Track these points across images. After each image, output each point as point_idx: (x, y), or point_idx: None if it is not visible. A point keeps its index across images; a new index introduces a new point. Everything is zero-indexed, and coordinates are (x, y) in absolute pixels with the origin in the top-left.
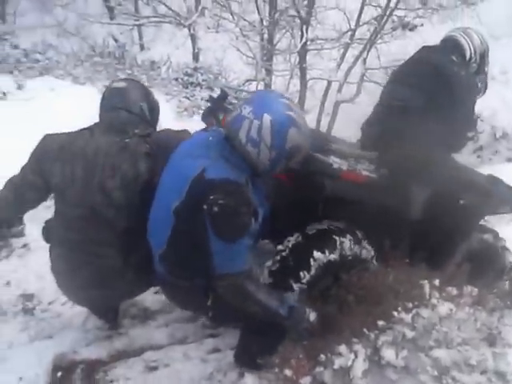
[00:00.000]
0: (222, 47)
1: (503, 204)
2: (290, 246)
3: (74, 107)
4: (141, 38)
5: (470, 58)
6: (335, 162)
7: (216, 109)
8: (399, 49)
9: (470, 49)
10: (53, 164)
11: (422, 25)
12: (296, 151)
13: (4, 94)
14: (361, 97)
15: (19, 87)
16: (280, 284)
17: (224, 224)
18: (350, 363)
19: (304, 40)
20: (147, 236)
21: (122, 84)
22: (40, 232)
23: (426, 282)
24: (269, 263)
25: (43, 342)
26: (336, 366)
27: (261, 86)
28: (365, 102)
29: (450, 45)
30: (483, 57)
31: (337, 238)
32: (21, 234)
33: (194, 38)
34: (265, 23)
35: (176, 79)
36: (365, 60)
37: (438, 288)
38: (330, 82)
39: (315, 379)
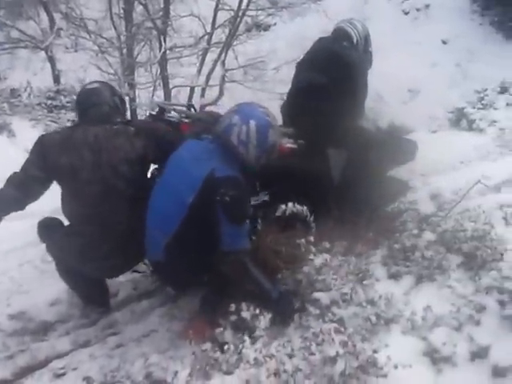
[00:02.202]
0: (83, 67)
1: (405, 154)
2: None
3: None
4: None
5: (357, 42)
6: None
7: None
8: (255, 48)
9: (356, 35)
10: (58, 156)
11: (274, 23)
12: (274, 147)
13: None
14: (223, 98)
15: None
16: None
17: (234, 210)
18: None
19: (163, 50)
20: (150, 227)
21: (94, 85)
22: None
23: (303, 240)
24: None
25: None
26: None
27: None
28: (228, 102)
29: (340, 33)
30: (366, 39)
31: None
32: None
33: (52, 60)
34: (122, 38)
35: (39, 104)
36: (223, 62)
37: (314, 243)
38: (192, 88)
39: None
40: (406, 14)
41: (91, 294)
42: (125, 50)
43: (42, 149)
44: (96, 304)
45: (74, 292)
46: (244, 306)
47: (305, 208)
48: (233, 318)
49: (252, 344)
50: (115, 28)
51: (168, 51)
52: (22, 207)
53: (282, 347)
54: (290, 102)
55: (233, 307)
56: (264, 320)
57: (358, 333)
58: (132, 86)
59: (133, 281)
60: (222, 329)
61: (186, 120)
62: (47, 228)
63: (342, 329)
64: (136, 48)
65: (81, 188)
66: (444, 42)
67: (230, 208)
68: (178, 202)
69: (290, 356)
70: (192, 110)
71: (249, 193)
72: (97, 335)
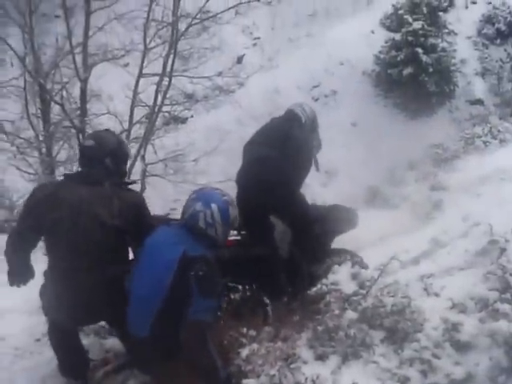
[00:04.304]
0: (1, 168)
1: (347, 223)
2: None
3: None
4: None
5: (305, 122)
6: None
7: None
8: (173, 141)
9: (303, 116)
10: (43, 211)
11: (191, 116)
12: (235, 221)
13: None
14: (146, 191)
15: None
16: None
17: (206, 284)
18: None
19: None
20: (133, 307)
21: (89, 143)
22: None
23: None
24: None
25: None
26: None
27: None
28: (151, 196)
29: (291, 115)
30: (313, 121)
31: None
32: None
33: None
34: (41, 138)
35: None
36: (143, 157)
37: (244, 334)
38: None
39: None
40: (316, 100)
41: (71, 363)
42: (44, 150)
43: (34, 200)
44: (73, 376)
45: (56, 359)
46: None
47: (265, 297)
48: None
49: None
50: (33, 128)
51: None
52: (25, 255)
53: None
54: (244, 172)
55: None
56: None
57: None
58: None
59: None
60: None
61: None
62: (43, 286)
63: None
64: (55, 147)
65: (58, 244)
66: (353, 125)
67: (202, 282)
68: (158, 283)
69: None
70: None
71: (218, 271)
72: None
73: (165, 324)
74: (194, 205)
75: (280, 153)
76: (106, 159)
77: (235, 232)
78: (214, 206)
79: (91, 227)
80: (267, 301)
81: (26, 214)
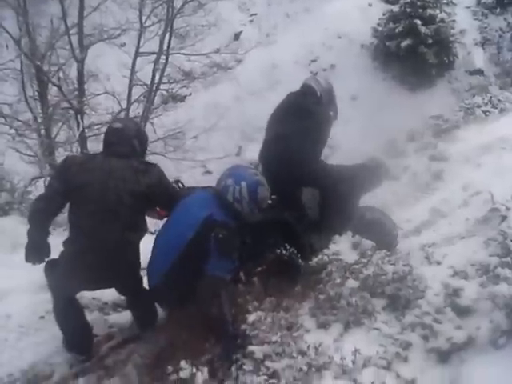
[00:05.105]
0: (0, 151)
1: (373, 181)
2: None
3: None
4: None
5: (321, 95)
6: None
7: None
8: (172, 119)
9: (319, 89)
10: (75, 173)
11: (190, 94)
12: (264, 200)
13: None
14: None
15: None
16: None
17: (224, 245)
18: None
19: (81, 129)
20: (155, 255)
21: (118, 125)
22: None
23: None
24: None
25: None
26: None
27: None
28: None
29: (306, 89)
30: (329, 93)
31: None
32: None
33: None
34: (39, 120)
35: None
36: None
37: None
38: None
39: None
40: (315, 74)
41: (77, 338)
42: (43, 132)
43: (64, 166)
44: (78, 351)
45: (62, 334)
46: (184, 363)
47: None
48: (172, 377)
49: None
50: (31, 110)
51: (86, 129)
52: (48, 218)
53: None
54: (266, 150)
55: (170, 369)
56: (202, 376)
57: (291, 383)
58: (53, 166)
59: (69, 361)
60: None
61: None
62: (49, 262)
63: (275, 381)
64: (54, 128)
65: (86, 204)
66: (353, 98)
67: (221, 243)
68: (179, 238)
69: None
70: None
71: (238, 238)
72: None
73: (177, 275)
74: (227, 179)
75: (299, 129)
76: (133, 140)
77: None
78: (243, 183)
79: (121, 190)
80: (299, 260)
81: (56, 178)
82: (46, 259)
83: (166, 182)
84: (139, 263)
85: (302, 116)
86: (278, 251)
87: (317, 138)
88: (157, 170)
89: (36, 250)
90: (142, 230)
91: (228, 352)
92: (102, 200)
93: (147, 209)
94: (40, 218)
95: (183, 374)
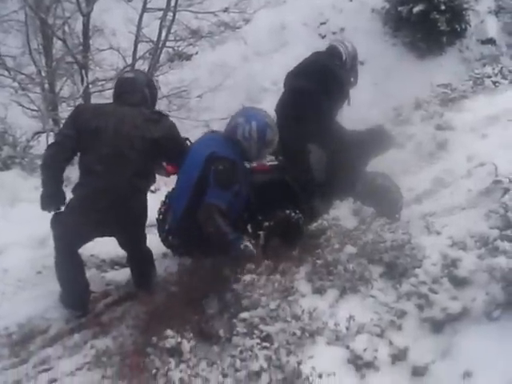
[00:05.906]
0: (3, 104)
1: (381, 146)
2: None
3: None
4: None
5: (346, 60)
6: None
7: None
8: (178, 77)
9: (345, 53)
10: (88, 118)
11: (196, 53)
12: (271, 143)
13: None
14: None
15: None
16: None
17: (222, 176)
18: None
19: (85, 84)
20: (171, 201)
21: (130, 74)
22: None
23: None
24: None
25: None
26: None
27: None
28: None
29: (333, 51)
30: (354, 58)
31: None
32: None
33: None
34: (43, 74)
35: None
36: None
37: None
38: None
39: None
40: (323, 37)
41: (74, 294)
42: (46, 86)
43: (76, 112)
44: (75, 307)
45: (60, 289)
46: (170, 332)
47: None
48: (161, 344)
49: (177, 366)
50: (35, 64)
51: (90, 85)
52: (60, 164)
53: (209, 366)
54: (283, 102)
55: (158, 337)
56: (190, 343)
57: (284, 347)
58: (56, 121)
59: (65, 317)
60: (152, 357)
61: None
62: (57, 214)
63: (268, 344)
64: (58, 83)
65: (99, 147)
66: (361, 63)
67: (218, 174)
68: (189, 177)
69: (216, 374)
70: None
71: (238, 172)
72: (27, 373)
73: (188, 218)
74: (237, 118)
75: (318, 86)
76: (144, 89)
77: (273, 157)
78: (254, 123)
79: (133, 135)
80: (299, 215)
81: (68, 124)
82: (62, 207)
83: (176, 134)
84: (146, 215)
85: (326, 76)
86: (288, 212)
87: (336, 100)
88: (169, 121)
89: (51, 198)
90: (150, 179)
91: (237, 254)
92: (114, 144)
93: (156, 159)
94: (52, 164)
95: (168, 344)
